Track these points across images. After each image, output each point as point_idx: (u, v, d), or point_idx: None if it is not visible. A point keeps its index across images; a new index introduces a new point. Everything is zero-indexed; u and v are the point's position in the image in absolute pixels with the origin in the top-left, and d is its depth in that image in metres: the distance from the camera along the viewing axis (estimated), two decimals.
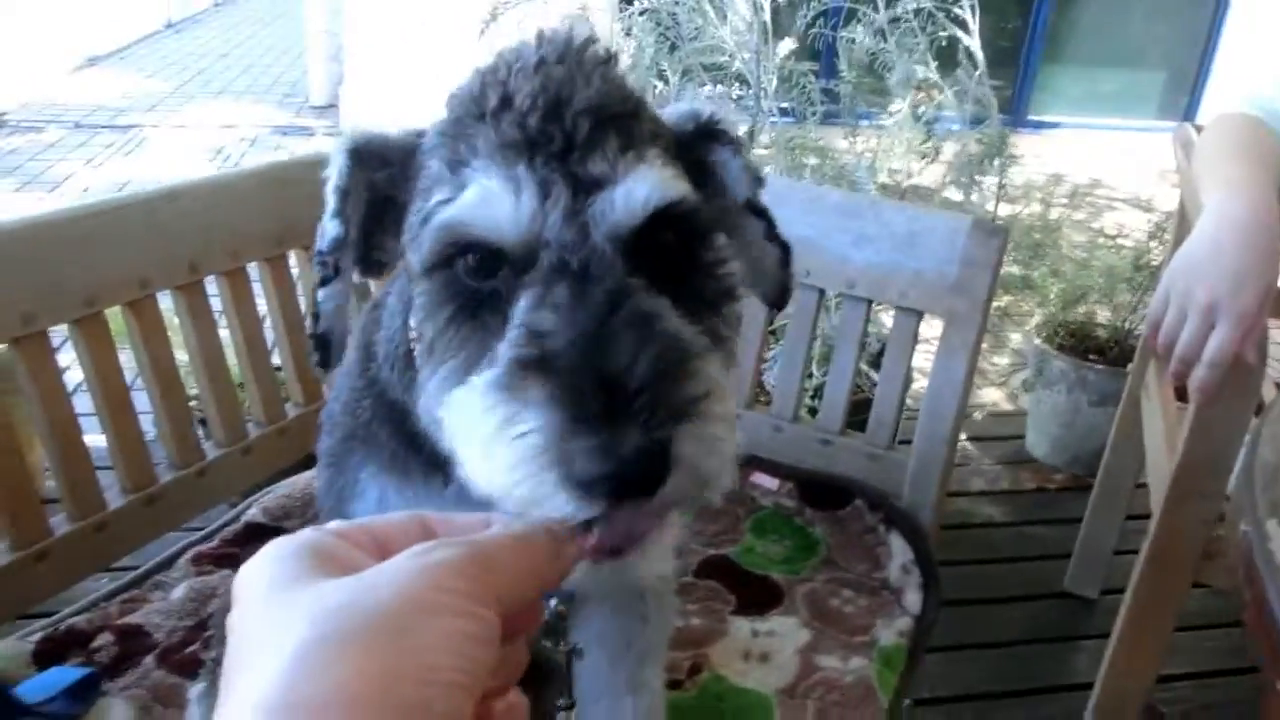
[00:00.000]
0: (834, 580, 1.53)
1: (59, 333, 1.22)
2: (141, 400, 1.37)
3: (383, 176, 0.76)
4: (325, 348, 0.80)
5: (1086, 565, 2.74)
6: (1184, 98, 8.17)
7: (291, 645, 0.42)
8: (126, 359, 1.31)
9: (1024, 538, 3.05)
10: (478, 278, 0.66)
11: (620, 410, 0.55)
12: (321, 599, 0.44)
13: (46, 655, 1.23)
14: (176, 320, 1.39)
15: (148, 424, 1.39)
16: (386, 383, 0.88)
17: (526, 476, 0.55)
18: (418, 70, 5.92)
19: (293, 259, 1.52)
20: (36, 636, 1.25)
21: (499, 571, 0.48)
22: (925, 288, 1.42)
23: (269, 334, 1.55)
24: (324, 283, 0.77)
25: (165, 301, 1.35)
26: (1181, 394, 2.25)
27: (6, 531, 1.19)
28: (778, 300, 0.93)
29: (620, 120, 0.68)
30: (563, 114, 0.65)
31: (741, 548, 1.59)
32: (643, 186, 0.65)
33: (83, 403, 1.27)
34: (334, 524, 0.51)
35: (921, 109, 2.39)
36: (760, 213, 0.84)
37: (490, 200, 0.63)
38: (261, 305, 1.51)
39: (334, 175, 0.75)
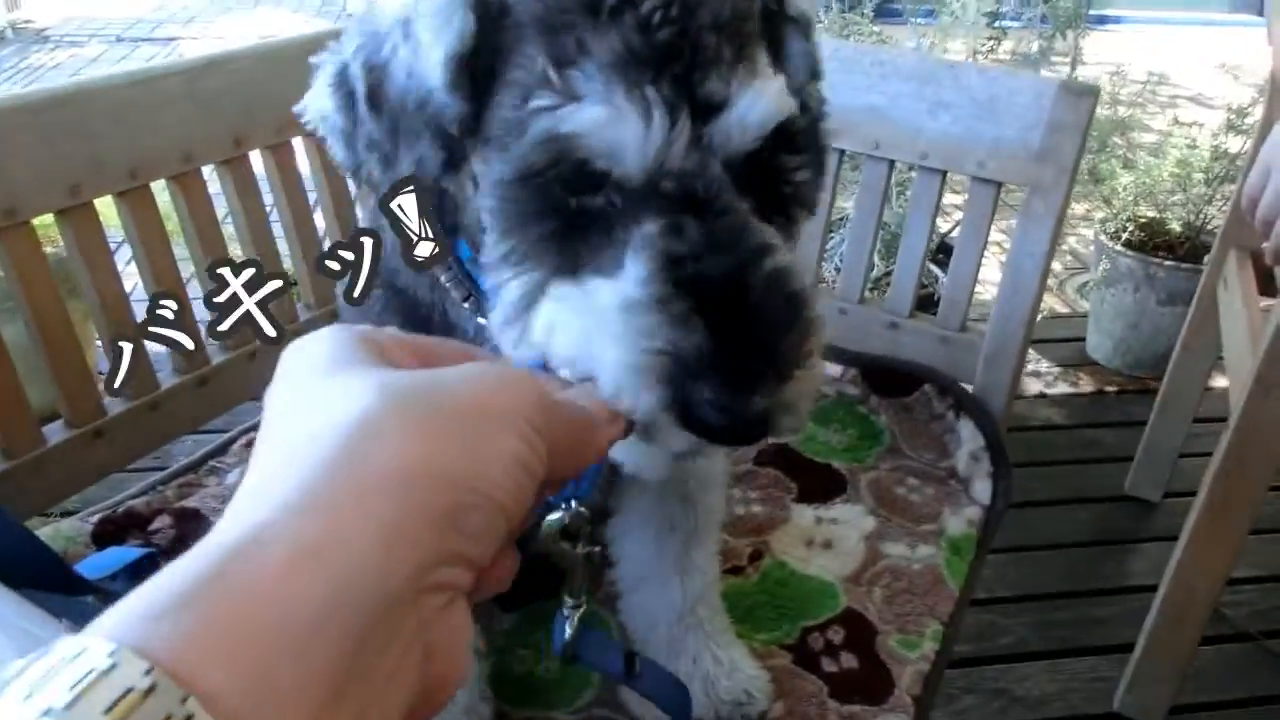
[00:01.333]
0: (899, 469, 1.49)
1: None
2: (191, 286, 1.34)
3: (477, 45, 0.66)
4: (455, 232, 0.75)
5: (1149, 468, 2.68)
6: None
7: (355, 409, 0.40)
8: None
9: (1084, 441, 2.98)
10: (578, 192, 0.61)
11: (754, 369, 0.56)
12: (391, 378, 0.42)
13: (105, 536, 1.23)
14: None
15: (200, 310, 1.36)
16: (394, 270, 0.83)
17: (643, 389, 0.55)
18: None
19: None
20: (96, 518, 1.25)
21: (557, 424, 0.47)
22: (1006, 156, 1.33)
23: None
24: (450, 167, 0.68)
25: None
26: (1267, 288, 2.16)
27: (63, 409, 1.17)
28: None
29: (738, 24, 0.64)
30: (689, 28, 0.61)
31: (803, 436, 1.54)
32: (758, 107, 0.62)
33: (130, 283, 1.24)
34: (390, 329, 0.49)
35: None
36: (803, 109, 0.77)
37: (616, 123, 0.59)
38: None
39: (451, 40, 0.64)
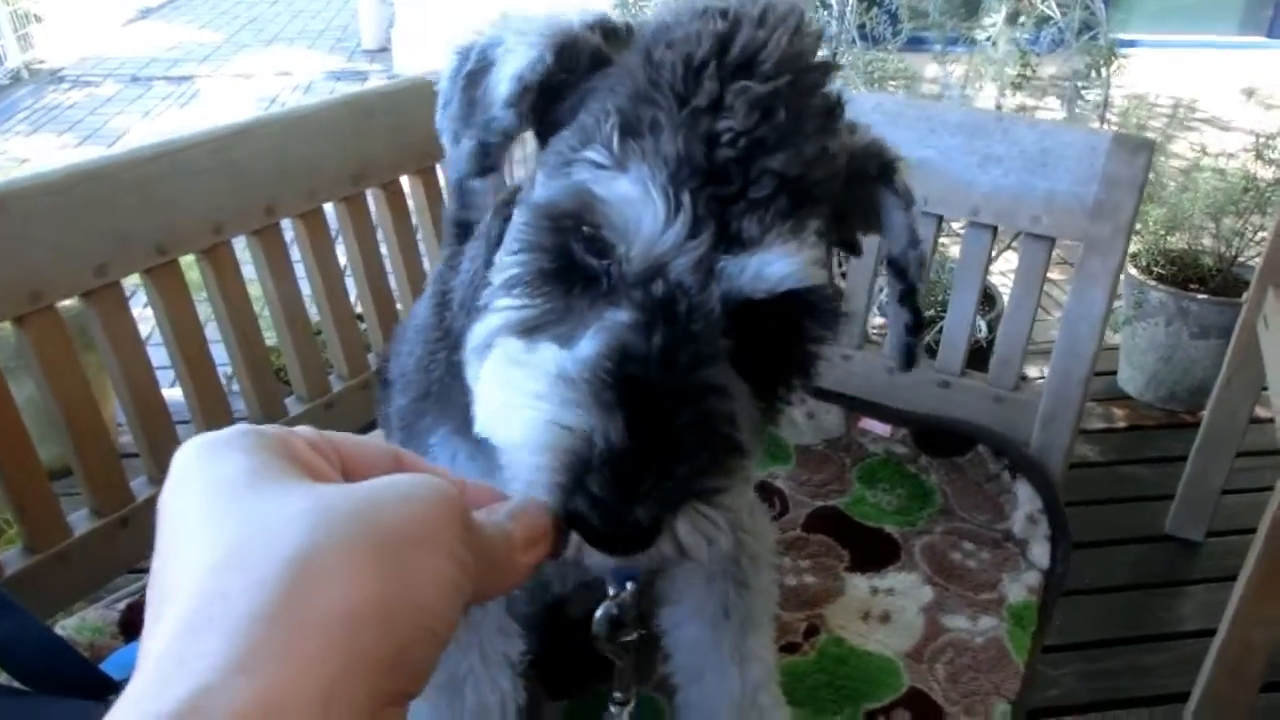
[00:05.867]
0: (952, 532, 1.43)
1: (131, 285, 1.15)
2: (218, 354, 1.30)
3: (563, 75, 0.70)
4: (468, 232, 0.78)
5: (1191, 506, 2.61)
6: (1268, 10, 7.71)
7: (289, 549, 0.36)
8: (202, 311, 1.24)
9: (1120, 478, 2.92)
10: (587, 248, 0.62)
11: (647, 481, 0.55)
12: (326, 499, 0.39)
13: (136, 625, 1.18)
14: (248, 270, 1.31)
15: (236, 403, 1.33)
16: (461, 333, 0.81)
17: (540, 464, 0.56)
18: (467, 10, 5.79)
19: (370, 199, 1.42)
20: (122, 604, 1.20)
21: (481, 542, 0.45)
22: (1060, 211, 1.29)
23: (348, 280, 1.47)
24: (482, 173, 0.72)
25: (240, 248, 1.27)
26: None
27: (88, 498, 1.13)
28: (901, 363, 0.87)
29: (803, 183, 0.63)
30: (754, 163, 0.61)
31: (851, 498, 1.49)
32: (780, 266, 0.61)
33: (158, 357, 1.20)
34: (302, 428, 0.46)
35: (1022, 18, 2.20)
36: (901, 274, 0.79)
37: (639, 207, 0.60)
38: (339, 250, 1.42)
39: (522, 63, 0.69)
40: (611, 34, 0.72)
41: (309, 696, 0.34)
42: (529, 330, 0.63)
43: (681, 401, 0.58)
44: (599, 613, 0.77)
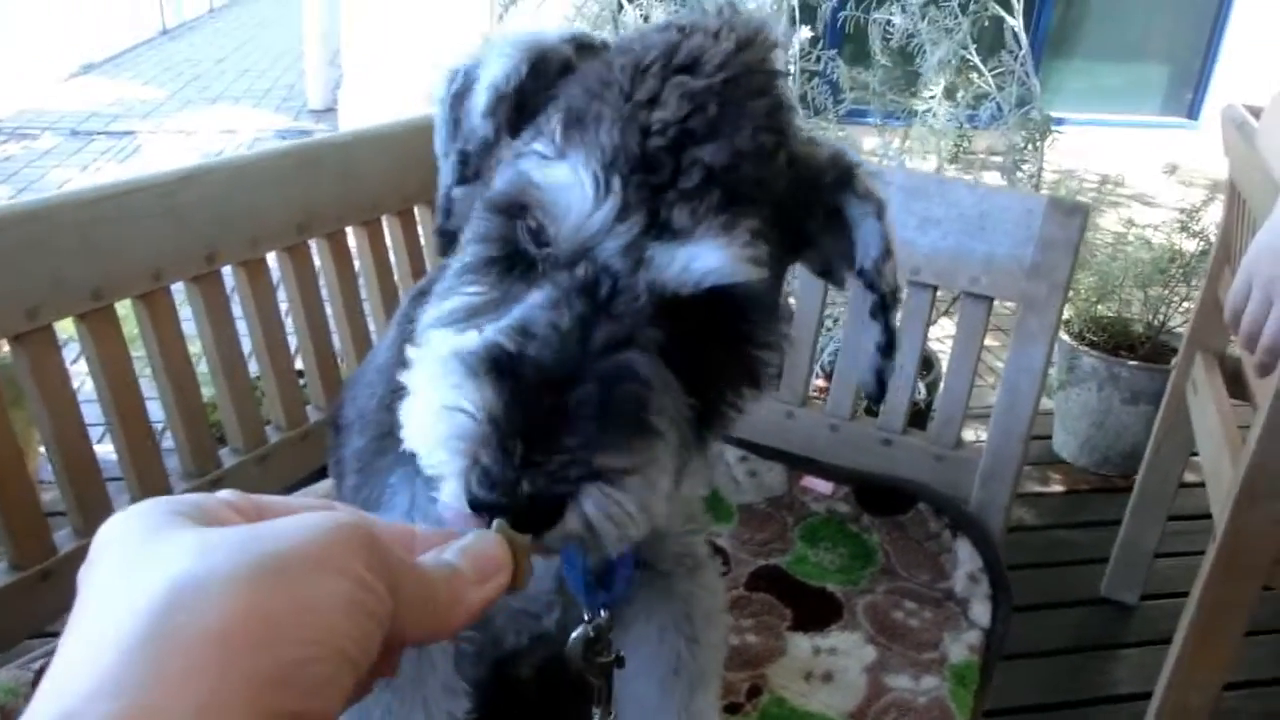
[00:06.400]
0: (894, 591, 1.43)
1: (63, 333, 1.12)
2: (153, 408, 1.26)
3: (533, 83, 0.73)
4: (454, 242, 0.77)
5: (1126, 569, 2.66)
6: (1189, 92, 8.08)
7: (166, 576, 0.37)
8: (137, 367, 1.21)
9: (1057, 541, 2.96)
10: (530, 236, 0.64)
11: (539, 453, 0.55)
12: (213, 535, 0.40)
13: None
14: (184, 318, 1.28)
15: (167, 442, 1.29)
16: None
17: (439, 450, 0.57)
18: (416, 71, 5.83)
19: (314, 249, 1.41)
20: (37, 665, 1.14)
21: (404, 574, 0.45)
22: (999, 272, 1.32)
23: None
24: (463, 182, 0.76)
25: (179, 298, 1.25)
26: (1234, 390, 2.17)
27: (7, 550, 1.08)
28: (873, 391, 0.84)
29: (736, 171, 0.64)
30: (684, 152, 0.62)
31: (793, 557, 1.49)
32: (709, 259, 0.62)
33: (89, 412, 1.16)
34: (224, 492, 0.47)
35: (960, 93, 2.28)
36: (872, 286, 0.77)
37: (568, 190, 0.62)
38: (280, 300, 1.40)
39: (497, 73, 0.72)
40: (587, 48, 0.74)
41: (177, 717, 0.34)
42: (465, 319, 0.64)
43: (582, 380, 0.58)
44: (575, 634, 0.79)
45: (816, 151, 0.75)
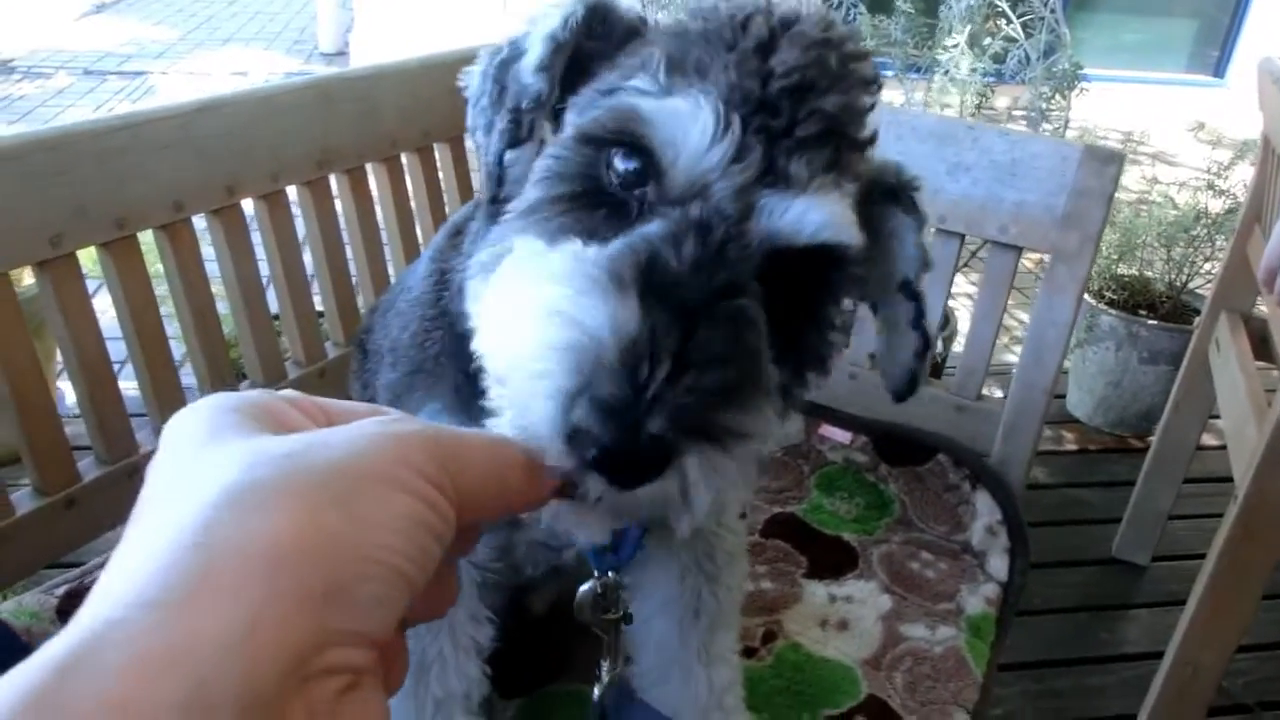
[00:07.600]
0: (910, 542, 1.43)
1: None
2: (173, 348, 1.26)
3: (595, 44, 0.70)
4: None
5: (1138, 530, 2.65)
6: (1215, 50, 7.93)
7: (218, 485, 0.36)
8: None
9: (1069, 500, 2.95)
10: (617, 179, 0.60)
11: (666, 394, 0.48)
12: (263, 446, 0.38)
13: (71, 612, 1.13)
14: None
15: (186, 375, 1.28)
16: (458, 315, 0.78)
17: (541, 369, 0.48)
18: (427, 15, 5.77)
19: (334, 183, 1.39)
20: (60, 591, 1.15)
21: (467, 468, 0.42)
22: (1029, 221, 1.30)
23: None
24: (514, 144, 0.70)
25: (200, 231, 1.24)
26: (1259, 351, 2.14)
27: (32, 476, 1.08)
28: (904, 391, 0.84)
29: (844, 140, 0.62)
30: (805, 101, 0.60)
31: (809, 505, 1.49)
32: (822, 213, 0.59)
33: (113, 350, 1.16)
34: (287, 391, 0.45)
35: (986, 40, 2.23)
36: (915, 297, 0.77)
37: (690, 122, 0.58)
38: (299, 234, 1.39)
39: (555, 23, 0.69)
40: (641, 21, 0.73)
41: (225, 628, 0.33)
42: (552, 235, 0.58)
43: (711, 319, 0.52)
44: (583, 589, 0.78)
45: (872, 163, 0.73)
